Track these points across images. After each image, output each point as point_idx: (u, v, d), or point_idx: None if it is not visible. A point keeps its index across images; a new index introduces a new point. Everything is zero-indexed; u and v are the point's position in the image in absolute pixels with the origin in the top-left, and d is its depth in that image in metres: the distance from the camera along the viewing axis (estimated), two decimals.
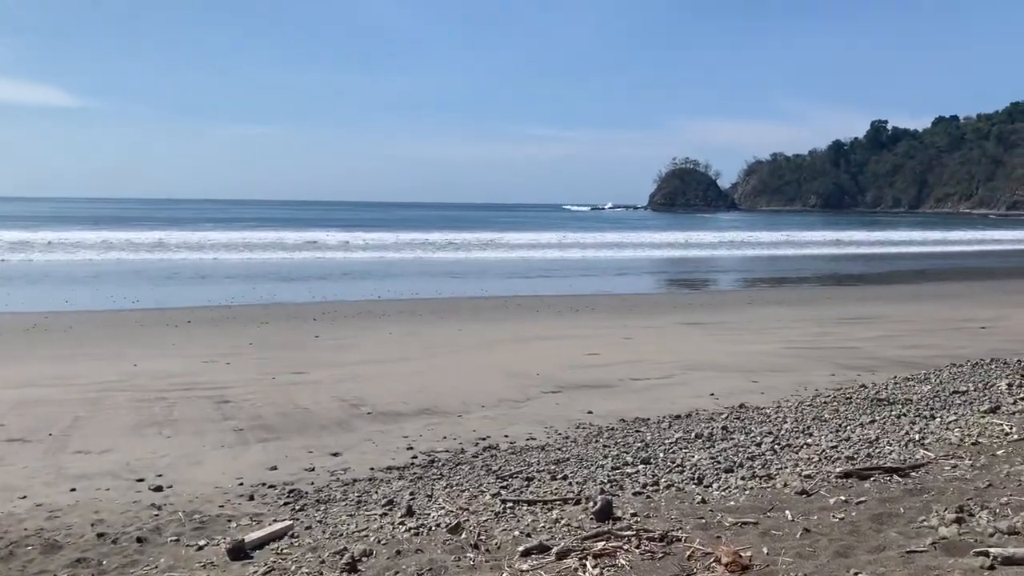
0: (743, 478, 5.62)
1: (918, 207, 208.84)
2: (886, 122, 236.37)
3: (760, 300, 23.68)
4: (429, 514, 5.29)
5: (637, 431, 7.75)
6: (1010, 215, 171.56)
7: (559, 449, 7.22)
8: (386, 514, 5.46)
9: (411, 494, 5.99)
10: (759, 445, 6.53)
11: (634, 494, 5.46)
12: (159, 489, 6.65)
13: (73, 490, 6.63)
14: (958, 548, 3.97)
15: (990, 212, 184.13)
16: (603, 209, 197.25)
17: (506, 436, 8.04)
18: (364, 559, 4.50)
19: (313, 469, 7.14)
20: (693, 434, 7.09)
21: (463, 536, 4.71)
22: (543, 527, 4.78)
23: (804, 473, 5.55)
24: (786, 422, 7.40)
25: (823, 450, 6.18)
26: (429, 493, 5.96)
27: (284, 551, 4.95)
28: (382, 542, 4.83)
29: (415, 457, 7.40)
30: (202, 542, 5.37)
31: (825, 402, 8.40)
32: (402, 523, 5.16)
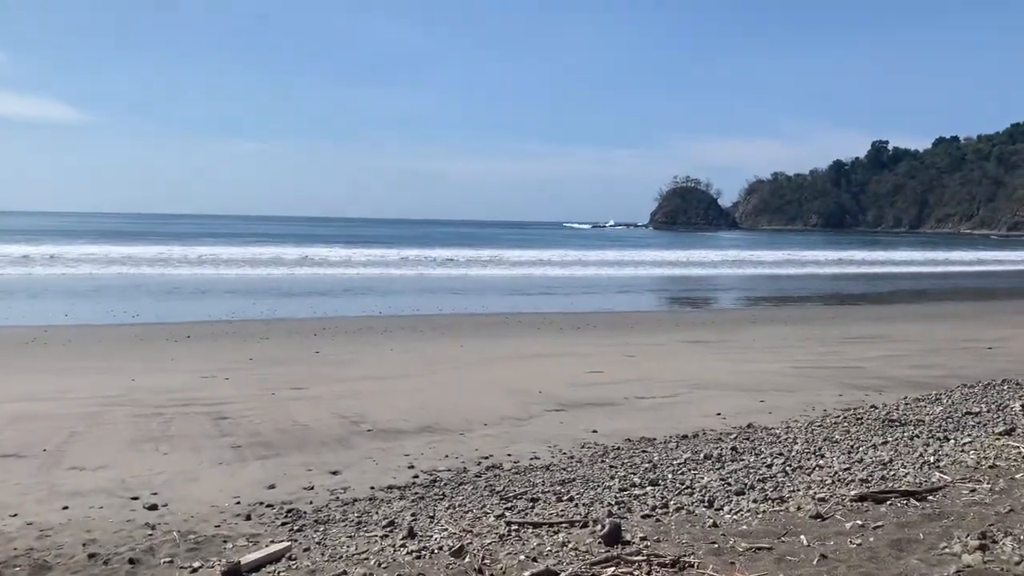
0: (755, 501, 5.46)
1: (919, 227, 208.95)
2: (887, 142, 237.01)
3: (763, 319, 23.53)
4: (431, 536, 5.12)
5: (644, 451, 7.58)
6: (1011, 236, 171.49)
7: (564, 469, 7.04)
8: (387, 536, 5.30)
9: (413, 515, 5.82)
10: (770, 466, 6.36)
11: (643, 517, 5.29)
12: (154, 508, 6.48)
13: (66, 508, 6.46)
14: None
15: (991, 233, 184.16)
16: (604, 227, 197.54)
17: (509, 455, 7.87)
18: None
19: (312, 488, 6.97)
20: (702, 455, 6.92)
21: (467, 560, 4.55)
22: (549, 551, 4.62)
23: (818, 496, 5.39)
24: (796, 443, 7.23)
25: (836, 472, 6.02)
26: (431, 514, 5.78)
27: (281, 574, 4.79)
28: (383, 565, 4.67)
29: (416, 476, 7.23)
30: (196, 564, 5.20)
31: (835, 422, 8.23)
32: (403, 545, 4.99)
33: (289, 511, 6.33)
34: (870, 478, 5.77)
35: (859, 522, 4.79)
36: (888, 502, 5.16)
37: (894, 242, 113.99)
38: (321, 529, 5.81)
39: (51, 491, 6.89)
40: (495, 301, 27.75)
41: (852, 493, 5.35)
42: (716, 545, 4.57)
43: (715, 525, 4.99)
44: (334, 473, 7.39)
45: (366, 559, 4.84)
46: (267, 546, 5.39)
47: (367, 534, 5.46)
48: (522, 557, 4.52)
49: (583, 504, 5.67)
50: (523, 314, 23.37)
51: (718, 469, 6.39)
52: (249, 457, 7.98)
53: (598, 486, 6.15)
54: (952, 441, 6.81)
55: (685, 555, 4.33)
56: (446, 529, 5.26)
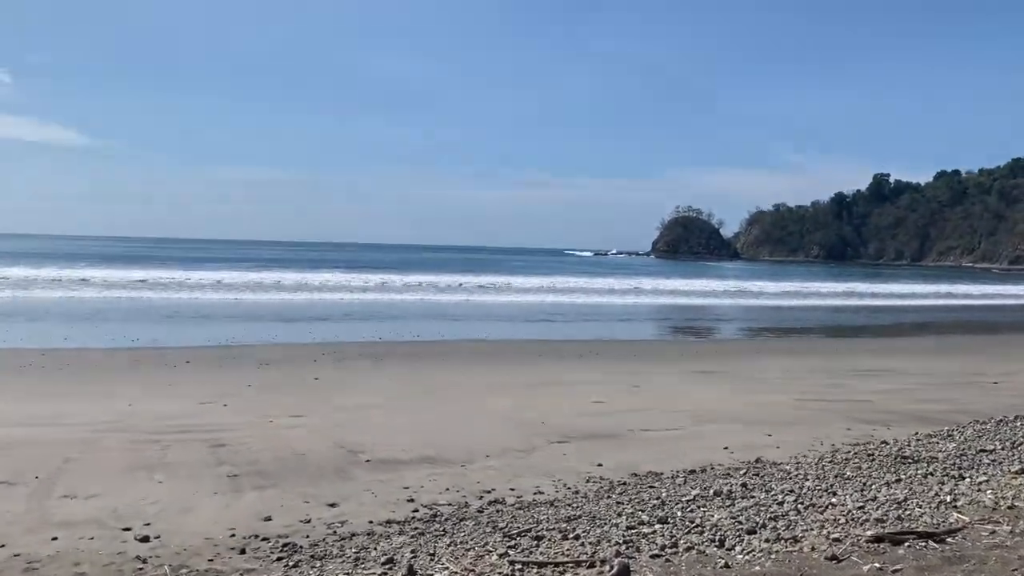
0: (767, 540, 5.27)
1: (921, 260, 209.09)
2: (888, 175, 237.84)
3: (767, 350, 23.36)
4: (432, 575, 4.94)
5: (651, 487, 7.38)
6: (1012, 270, 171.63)
7: (569, 505, 6.85)
8: (386, 574, 5.11)
9: (412, 552, 5.62)
10: (781, 504, 6.17)
11: (652, 557, 5.11)
12: (146, 539, 6.29)
13: (55, 539, 6.27)
14: None
15: (992, 266, 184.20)
16: (607, 255, 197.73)
17: (512, 489, 7.67)
18: None
19: (309, 520, 6.77)
20: (711, 491, 6.72)
21: None
22: None
23: (832, 536, 5.21)
24: (808, 479, 7.04)
25: (849, 511, 5.83)
26: (431, 551, 5.59)
27: None
28: None
29: (416, 510, 7.03)
30: None
31: (846, 458, 8.04)
32: None
33: (285, 545, 6.14)
34: (885, 517, 5.59)
35: (877, 565, 4.62)
36: (906, 544, 4.98)
37: (896, 275, 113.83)
38: (318, 565, 5.62)
39: (42, 521, 6.71)
40: (497, 328, 27.60)
41: (868, 534, 5.17)
42: None
43: (727, 566, 4.81)
44: (332, 505, 7.20)
45: None
46: None
47: (365, 571, 5.28)
48: None
49: (590, 543, 5.48)
50: (525, 341, 23.22)
51: (728, 506, 6.20)
52: (246, 487, 7.80)
53: (605, 523, 5.96)
54: (968, 480, 6.63)
55: None
56: (447, 567, 5.08)
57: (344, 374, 15.51)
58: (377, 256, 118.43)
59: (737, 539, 5.35)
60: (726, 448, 9.47)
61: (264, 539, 6.33)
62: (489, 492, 7.57)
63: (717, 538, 5.39)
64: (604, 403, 12.72)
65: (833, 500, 6.17)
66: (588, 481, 7.93)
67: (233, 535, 6.42)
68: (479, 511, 6.89)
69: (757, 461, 8.52)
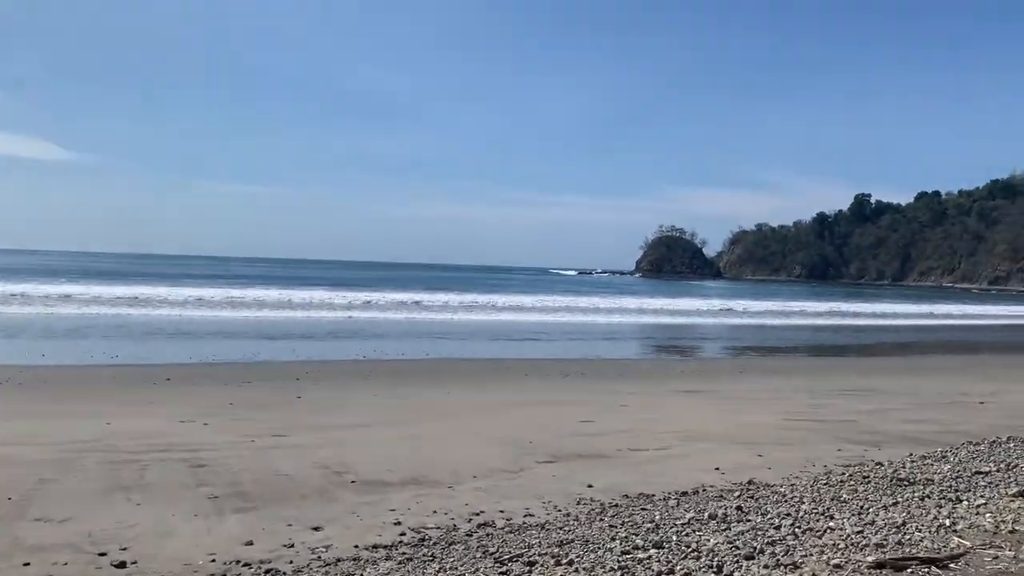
0: (766, 567, 5.13)
1: (902, 280, 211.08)
2: (870, 195, 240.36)
3: (752, 369, 23.33)
4: None
5: (643, 509, 7.22)
6: (991, 290, 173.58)
7: (561, 528, 6.66)
8: None
9: None
10: (778, 528, 6.03)
11: None
12: (122, 565, 6.05)
13: (27, 564, 6.03)
14: None
15: (972, 287, 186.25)
16: (591, 273, 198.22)
17: (501, 512, 7.48)
18: None
19: (292, 545, 6.54)
20: (706, 514, 6.57)
21: None
22: None
23: (833, 562, 5.07)
24: (803, 502, 6.90)
25: (848, 535, 5.70)
26: None
27: None
28: None
29: (403, 534, 6.82)
30: None
31: (841, 480, 7.91)
32: None
33: (268, 571, 5.93)
34: (885, 542, 5.46)
35: None
36: (908, 570, 4.85)
37: (877, 294, 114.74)
38: None
39: (13, 545, 6.46)
40: (482, 347, 27.43)
41: (869, 559, 5.04)
42: None
43: None
44: (316, 529, 6.98)
45: None
46: None
47: None
48: None
49: (584, 568, 5.31)
50: (511, 360, 23.07)
51: (724, 530, 6.05)
52: (227, 509, 7.57)
53: (599, 548, 5.79)
54: (965, 503, 6.52)
55: None
56: None
57: (328, 393, 15.28)
58: (360, 274, 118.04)
59: (735, 565, 5.20)
60: (717, 469, 9.33)
61: (246, 564, 6.11)
62: (478, 515, 7.38)
63: (715, 564, 5.24)
64: (592, 423, 12.57)
65: (831, 524, 6.04)
66: (579, 503, 7.76)
67: (213, 560, 6.20)
68: (468, 535, 6.69)
69: (750, 483, 8.38)
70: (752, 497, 7.39)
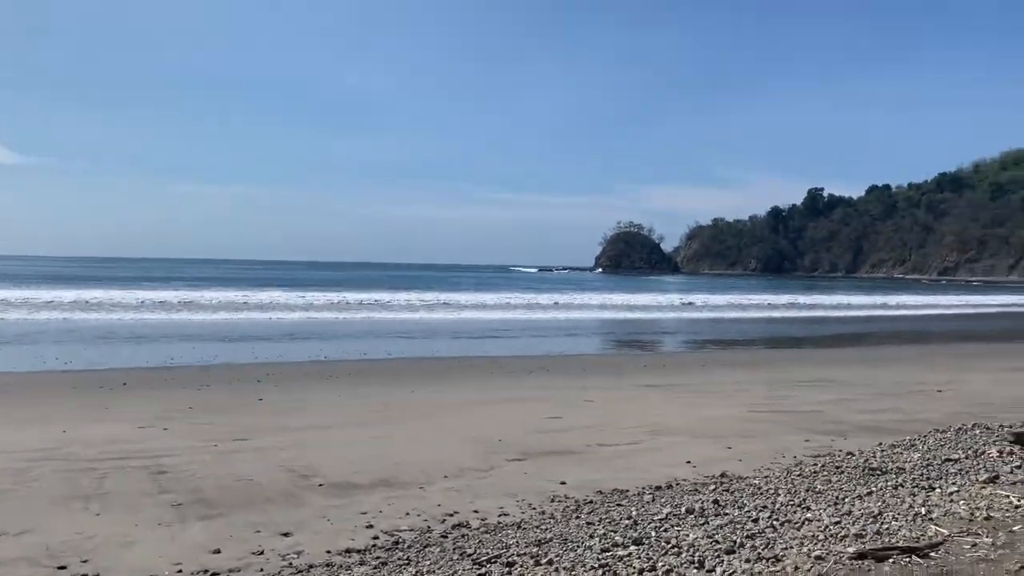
0: (747, 560, 5.07)
1: (854, 272, 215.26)
2: (823, 190, 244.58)
3: (714, 362, 23.49)
4: None
5: (619, 505, 7.14)
6: (941, 280, 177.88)
7: (538, 527, 6.55)
8: None
9: None
10: (756, 521, 5.98)
11: None
12: None
13: None
14: None
15: (922, 277, 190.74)
16: (552, 270, 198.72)
17: (475, 512, 7.35)
18: None
19: (262, 552, 6.35)
20: (683, 509, 6.51)
21: None
22: None
23: (814, 554, 5.03)
24: (779, 494, 6.88)
25: (826, 526, 5.68)
26: None
27: None
28: None
29: (376, 537, 6.65)
30: None
31: (815, 471, 7.93)
32: None
33: None
34: (864, 532, 5.44)
35: None
36: (890, 560, 4.83)
37: (832, 286, 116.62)
38: None
39: None
40: (445, 345, 27.24)
41: (850, 551, 5.01)
42: None
43: None
44: (285, 535, 6.78)
45: None
46: None
47: None
48: None
49: (564, 568, 5.21)
50: (475, 358, 22.94)
51: (703, 525, 5.99)
52: (191, 517, 7.33)
53: (578, 546, 5.69)
54: (938, 490, 6.55)
55: None
56: None
57: (291, 395, 15.00)
58: (321, 274, 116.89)
59: (717, 560, 5.15)
60: (688, 462, 9.31)
61: (214, 574, 5.90)
62: (452, 515, 7.24)
63: (696, 559, 5.18)
64: (559, 419, 12.50)
65: (808, 515, 6.02)
66: (553, 500, 7.66)
67: (180, 571, 5.98)
68: (443, 536, 6.55)
69: (723, 476, 8.37)
70: (727, 490, 7.36)
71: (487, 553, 5.72)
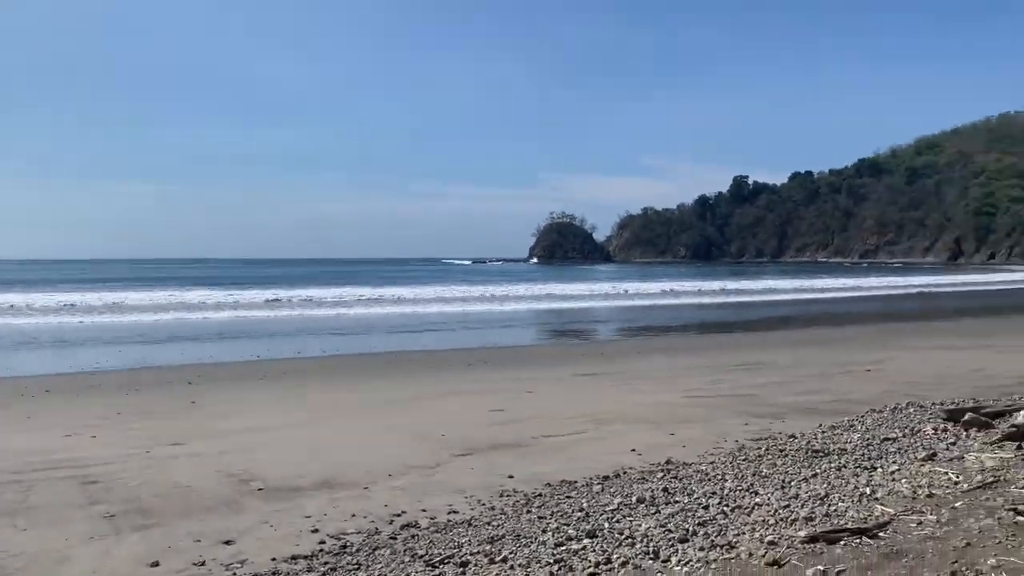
0: (702, 548, 5.07)
1: (780, 256, 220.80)
2: (747, 177, 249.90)
3: (649, 349, 23.76)
4: None
5: (569, 497, 7.09)
6: (862, 263, 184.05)
7: (489, 523, 6.45)
8: None
9: None
10: (707, 508, 6.00)
11: None
12: None
13: None
14: None
15: (845, 260, 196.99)
16: (486, 263, 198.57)
17: (424, 510, 7.21)
18: None
19: (204, 563, 6.10)
20: (634, 498, 6.50)
21: None
22: None
23: (767, 539, 5.06)
24: (727, 480, 6.93)
25: (776, 510, 5.73)
26: None
27: None
28: None
29: (323, 542, 6.46)
30: None
31: (759, 455, 8.01)
32: None
33: None
34: (813, 515, 5.50)
35: (820, 568, 4.48)
36: (841, 542, 4.88)
37: (759, 271, 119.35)
38: None
39: None
40: (381, 341, 26.92)
41: (802, 534, 5.05)
42: None
43: None
44: (227, 543, 6.54)
45: None
46: None
47: None
48: None
49: (519, 565, 5.13)
50: (412, 353, 22.72)
51: (654, 514, 5.99)
52: (125, 528, 7.02)
53: (532, 542, 5.61)
54: (880, 470, 6.68)
55: None
56: None
57: (224, 396, 14.59)
58: (245, 271, 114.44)
59: (671, 549, 5.13)
60: (633, 450, 9.33)
61: None
62: (399, 515, 7.08)
63: (651, 550, 5.15)
64: (502, 411, 12.43)
65: (757, 500, 6.06)
66: (502, 495, 7.58)
67: None
68: (392, 537, 6.40)
69: (668, 462, 8.40)
70: (675, 477, 7.39)
71: (439, 553, 5.61)
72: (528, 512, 6.68)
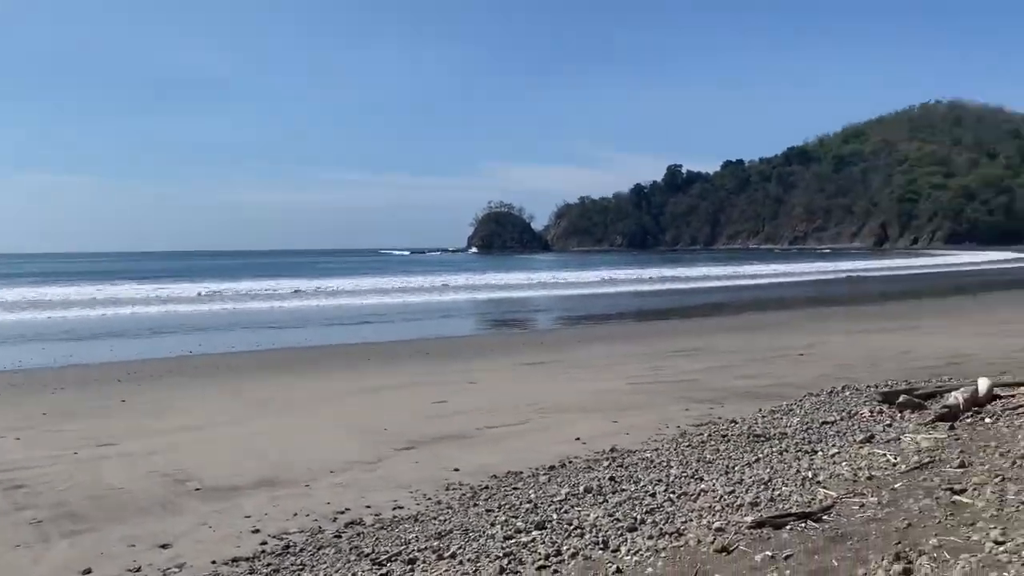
0: (651, 537, 5.07)
1: (713, 244, 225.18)
2: (681, 166, 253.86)
3: (590, 337, 23.88)
4: None
5: (516, 488, 7.04)
6: (792, 249, 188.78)
7: (436, 519, 6.36)
8: None
9: None
10: (654, 496, 6.02)
11: (538, 569, 4.76)
12: None
13: None
14: None
15: (775, 247, 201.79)
16: (424, 253, 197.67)
17: (368, 507, 7.07)
18: None
19: (139, 569, 5.86)
20: (581, 488, 6.48)
21: None
22: None
23: (714, 526, 5.09)
24: (671, 466, 6.97)
25: (721, 496, 5.77)
26: None
27: None
28: None
29: (264, 542, 6.28)
30: None
31: (702, 441, 8.09)
32: None
33: None
34: (758, 500, 5.56)
35: (768, 553, 4.51)
36: (787, 527, 4.94)
37: (693, 259, 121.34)
38: None
39: None
40: (318, 333, 26.48)
41: (748, 520, 5.09)
42: None
43: (619, 571, 4.55)
44: (164, 547, 6.30)
45: None
46: None
47: None
48: None
49: (468, 560, 5.06)
50: (350, 345, 22.40)
51: (602, 503, 5.97)
52: (55, 535, 6.72)
53: (480, 536, 5.54)
54: (820, 453, 6.80)
55: None
56: None
57: (155, 394, 14.14)
58: (173, 264, 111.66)
59: (621, 539, 5.12)
60: (578, 439, 9.33)
61: None
62: (343, 513, 6.93)
63: (600, 540, 5.13)
64: (445, 403, 12.32)
65: (703, 486, 6.10)
66: (448, 489, 7.48)
67: None
68: (337, 536, 6.25)
69: (613, 450, 8.42)
70: (621, 465, 7.40)
71: (386, 551, 5.50)
72: (475, 505, 6.61)
